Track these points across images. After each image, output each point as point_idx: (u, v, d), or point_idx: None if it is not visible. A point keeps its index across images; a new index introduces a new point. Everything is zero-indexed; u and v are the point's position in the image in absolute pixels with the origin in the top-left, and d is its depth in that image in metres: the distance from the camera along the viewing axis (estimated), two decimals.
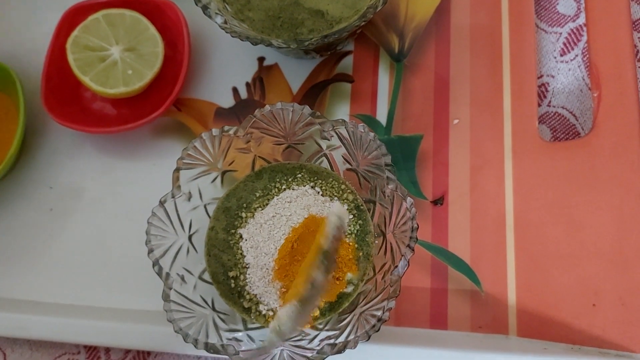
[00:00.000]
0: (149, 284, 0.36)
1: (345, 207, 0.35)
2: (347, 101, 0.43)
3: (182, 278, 0.33)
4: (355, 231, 0.35)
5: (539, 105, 0.41)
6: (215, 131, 0.34)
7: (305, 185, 0.36)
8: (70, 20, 0.44)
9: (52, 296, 0.41)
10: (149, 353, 0.40)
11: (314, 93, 0.43)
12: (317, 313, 0.33)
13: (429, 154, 0.41)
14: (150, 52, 0.43)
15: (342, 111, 0.43)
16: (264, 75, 0.44)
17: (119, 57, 0.42)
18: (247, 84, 0.44)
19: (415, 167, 0.40)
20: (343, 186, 0.36)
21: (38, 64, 0.44)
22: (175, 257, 0.34)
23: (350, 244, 0.34)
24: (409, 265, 0.30)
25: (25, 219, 0.43)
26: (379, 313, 0.30)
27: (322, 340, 0.31)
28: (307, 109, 0.34)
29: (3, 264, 0.42)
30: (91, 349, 0.40)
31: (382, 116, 0.42)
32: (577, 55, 0.42)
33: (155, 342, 0.36)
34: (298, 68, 0.44)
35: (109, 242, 0.42)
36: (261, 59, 0.45)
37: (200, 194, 0.35)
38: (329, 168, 0.37)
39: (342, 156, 0.36)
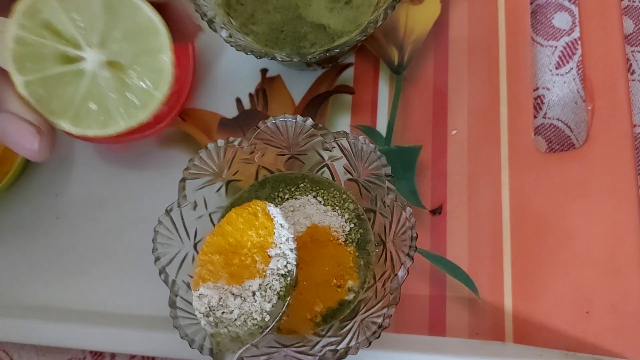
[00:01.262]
0: (154, 290, 0.37)
1: (347, 216, 0.36)
2: (348, 112, 0.44)
3: (188, 285, 0.34)
4: (356, 240, 0.35)
5: (535, 116, 0.43)
6: (220, 142, 0.35)
7: (307, 195, 0.37)
8: None
9: (58, 302, 0.42)
10: (153, 358, 0.40)
11: (315, 104, 0.44)
12: (318, 319, 0.34)
13: (428, 164, 0.42)
14: (152, 68, 0.27)
15: (343, 122, 0.44)
16: (267, 87, 0.45)
17: (94, 71, 0.26)
18: (250, 95, 0.45)
19: (415, 177, 0.41)
20: (344, 196, 0.37)
21: None
22: (181, 264, 0.34)
23: (351, 252, 0.35)
24: (408, 273, 0.31)
25: (31, 227, 0.44)
26: (379, 320, 0.31)
27: (324, 347, 0.32)
28: (309, 121, 0.35)
29: (9, 271, 0.43)
30: (97, 354, 0.41)
31: (382, 127, 0.43)
32: (572, 69, 0.43)
33: (161, 347, 0.37)
34: (300, 80, 0.45)
35: (114, 250, 0.42)
36: (264, 71, 0.46)
37: (205, 203, 0.36)
38: (331, 178, 0.38)
39: (344, 167, 0.37)
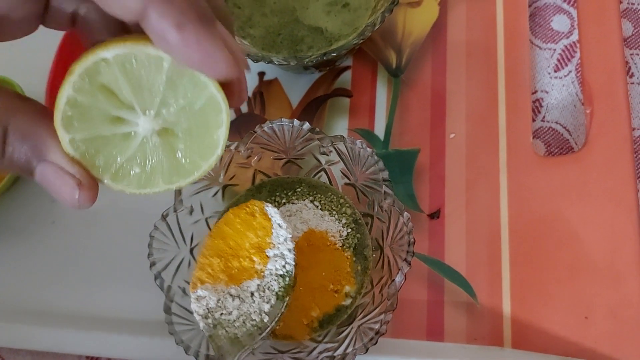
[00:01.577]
0: (151, 296, 0.36)
1: (344, 220, 0.36)
2: (346, 115, 0.44)
3: (184, 291, 0.34)
4: (353, 245, 0.35)
5: (534, 120, 0.42)
6: None
7: (304, 200, 0.37)
8: (75, 35, 0.45)
9: (54, 307, 0.41)
10: None
11: (313, 107, 0.44)
12: (315, 325, 0.34)
13: (426, 167, 0.41)
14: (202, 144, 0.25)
15: (341, 125, 0.43)
16: (264, 90, 0.45)
17: (144, 136, 0.25)
18: (248, 98, 0.45)
19: (413, 181, 0.41)
20: (342, 200, 0.37)
21: (42, 78, 0.44)
22: (176, 270, 0.34)
23: (349, 257, 0.35)
24: (405, 279, 0.31)
25: (27, 232, 0.44)
26: (376, 326, 0.30)
27: (320, 353, 0.32)
28: (306, 125, 0.34)
29: (5, 276, 0.43)
30: (93, 359, 0.41)
31: (380, 130, 0.43)
32: (570, 72, 0.43)
33: (157, 353, 0.37)
34: (297, 83, 0.45)
35: (110, 255, 0.42)
36: (261, 74, 0.46)
37: (201, 207, 0.36)
38: (328, 182, 0.37)
39: (341, 171, 0.36)
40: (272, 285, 0.30)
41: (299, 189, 0.37)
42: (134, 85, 0.24)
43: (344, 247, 0.35)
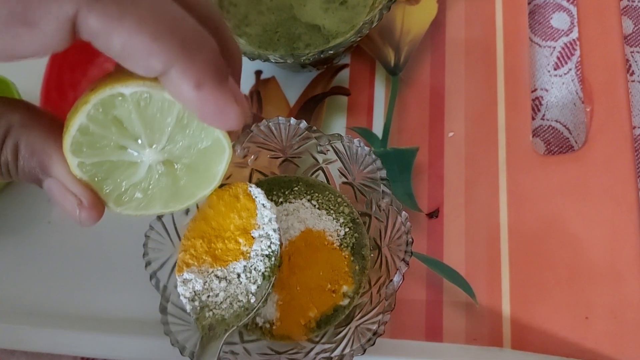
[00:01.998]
0: (147, 296, 0.36)
1: (342, 220, 0.35)
2: (344, 114, 0.43)
3: None
4: (351, 244, 0.35)
5: (533, 118, 0.42)
6: None
7: (302, 199, 0.36)
8: None
9: (49, 308, 0.41)
10: None
11: (310, 106, 0.44)
12: (312, 325, 0.34)
13: (425, 166, 0.41)
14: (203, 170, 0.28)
15: (339, 124, 0.43)
16: (261, 89, 0.45)
17: (149, 165, 0.26)
18: (245, 97, 0.45)
19: (411, 180, 0.41)
20: (339, 199, 0.36)
21: (38, 77, 0.44)
22: (172, 270, 0.34)
23: (346, 256, 0.35)
24: (403, 279, 0.31)
25: (23, 232, 0.43)
26: (374, 327, 0.30)
27: (317, 354, 0.31)
28: (303, 124, 0.34)
29: (0, 276, 0.43)
30: None
31: (378, 129, 0.42)
32: (570, 69, 0.43)
33: (153, 353, 0.37)
34: (295, 81, 0.44)
35: (106, 255, 0.42)
36: (258, 73, 0.45)
37: (197, 208, 0.35)
38: (326, 181, 0.37)
39: (338, 170, 0.36)
40: (258, 266, 0.30)
41: (296, 188, 0.37)
42: (145, 122, 0.25)
43: (342, 246, 0.35)
